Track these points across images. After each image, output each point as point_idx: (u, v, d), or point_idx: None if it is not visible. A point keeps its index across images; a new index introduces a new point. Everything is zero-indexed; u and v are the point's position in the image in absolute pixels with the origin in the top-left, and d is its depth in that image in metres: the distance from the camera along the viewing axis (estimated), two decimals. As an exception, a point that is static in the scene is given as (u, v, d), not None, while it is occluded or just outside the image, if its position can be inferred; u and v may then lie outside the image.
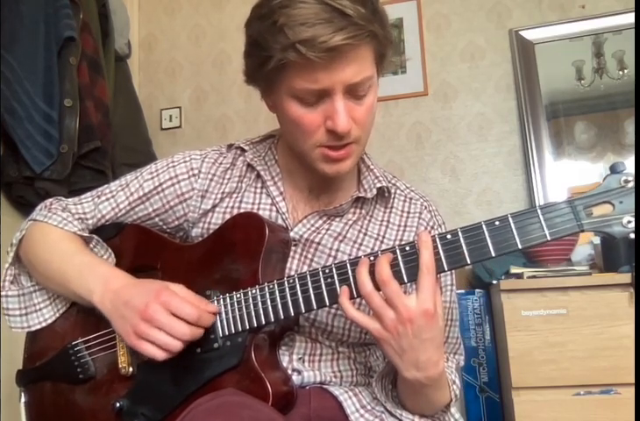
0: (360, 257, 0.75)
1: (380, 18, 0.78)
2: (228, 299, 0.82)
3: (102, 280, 0.84)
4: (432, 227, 0.98)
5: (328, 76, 0.76)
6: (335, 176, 0.88)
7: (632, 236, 0.66)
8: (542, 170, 2.03)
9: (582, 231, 0.68)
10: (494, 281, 1.69)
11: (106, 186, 0.99)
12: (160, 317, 0.75)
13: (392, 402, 0.84)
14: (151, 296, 0.77)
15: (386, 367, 0.84)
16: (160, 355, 0.76)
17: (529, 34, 2.13)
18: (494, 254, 0.69)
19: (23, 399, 0.95)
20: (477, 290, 1.84)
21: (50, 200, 0.99)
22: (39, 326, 0.95)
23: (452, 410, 0.86)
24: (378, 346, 0.76)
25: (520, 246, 0.69)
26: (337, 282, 0.75)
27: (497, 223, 0.70)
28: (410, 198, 0.99)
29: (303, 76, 0.77)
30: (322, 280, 0.76)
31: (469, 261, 0.70)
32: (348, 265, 0.75)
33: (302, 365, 0.86)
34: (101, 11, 1.98)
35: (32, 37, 1.69)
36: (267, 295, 0.79)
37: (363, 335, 0.91)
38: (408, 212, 0.97)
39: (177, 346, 0.76)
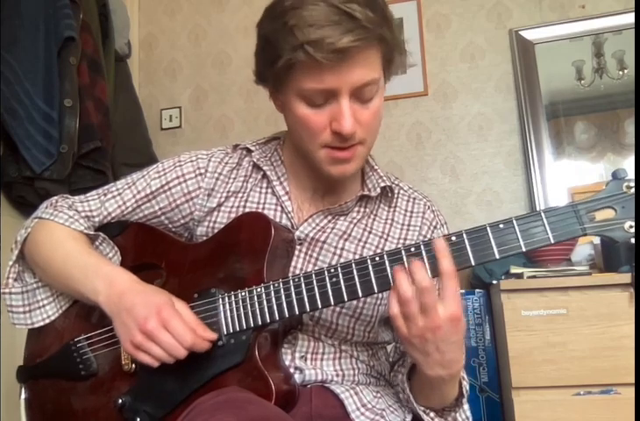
0: (366, 257, 0.76)
1: (390, 24, 0.80)
2: (233, 297, 0.82)
3: (106, 281, 0.85)
4: (435, 227, 0.99)
5: (335, 78, 0.77)
6: (340, 178, 0.89)
7: (633, 241, 0.68)
8: (542, 170, 2.03)
9: (585, 234, 0.69)
10: (494, 281, 1.69)
11: (112, 184, 1.00)
12: (157, 333, 0.77)
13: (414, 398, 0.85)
14: (152, 310, 0.78)
15: (406, 364, 0.86)
16: (154, 364, 0.78)
17: (529, 34, 2.13)
18: (497, 256, 0.71)
19: (23, 396, 0.95)
20: (477, 290, 1.84)
21: (56, 198, 1.00)
22: (42, 323, 0.95)
23: (465, 406, 0.87)
24: (402, 345, 0.77)
25: (524, 249, 0.70)
26: (342, 282, 0.76)
27: (501, 225, 0.71)
28: (414, 198, 1.01)
29: (311, 76, 0.78)
30: (327, 279, 0.77)
31: (473, 263, 0.72)
32: (353, 265, 0.76)
33: (304, 363, 0.87)
34: (101, 11, 1.98)
35: (32, 37, 1.69)
36: (272, 293, 0.80)
37: (367, 334, 0.92)
38: (412, 212, 0.98)
39: (169, 359, 0.78)
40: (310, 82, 0.78)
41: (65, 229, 0.93)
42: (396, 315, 0.72)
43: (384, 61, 0.84)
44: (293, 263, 0.89)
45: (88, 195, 1.00)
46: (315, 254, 0.91)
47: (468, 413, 0.88)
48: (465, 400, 0.86)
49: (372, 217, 0.96)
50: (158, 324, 0.77)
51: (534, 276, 1.53)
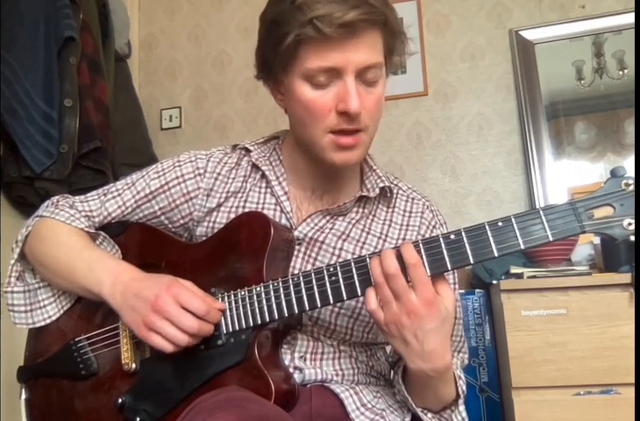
0: (365, 256, 0.76)
1: (393, 10, 0.83)
2: (232, 296, 0.82)
3: (111, 273, 0.85)
4: (434, 226, 0.99)
5: (341, 55, 0.79)
6: (343, 167, 0.89)
7: (632, 238, 0.68)
8: (542, 170, 2.03)
9: (584, 232, 0.69)
10: (494, 281, 1.69)
11: (112, 185, 1.00)
12: (169, 308, 0.77)
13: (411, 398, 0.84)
14: (162, 288, 0.79)
15: (402, 365, 0.85)
16: (167, 348, 0.78)
17: (529, 34, 2.13)
18: (496, 254, 0.71)
19: (23, 396, 0.96)
20: (477, 290, 1.84)
21: (57, 197, 1.00)
22: (43, 323, 0.96)
23: (461, 408, 0.86)
24: (385, 338, 0.77)
25: (522, 247, 0.70)
26: (341, 281, 0.76)
27: (500, 223, 0.71)
28: (412, 198, 1.00)
29: (317, 54, 0.79)
30: (326, 278, 0.77)
31: (472, 261, 0.72)
32: (352, 264, 0.76)
33: (304, 363, 0.87)
34: (101, 11, 1.98)
35: (32, 37, 1.69)
36: (272, 292, 0.80)
37: (365, 334, 0.91)
38: (410, 212, 0.98)
39: (184, 339, 0.77)
40: (317, 60, 0.80)
41: (66, 226, 0.94)
42: (373, 309, 0.74)
43: (386, 49, 0.85)
44: (291, 263, 0.89)
45: (88, 195, 1.00)
46: (313, 254, 0.91)
47: (464, 414, 0.87)
48: (461, 401, 0.85)
49: (370, 217, 0.96)
50: (170, 298, 0.77)
51: (534, 276, 1.53)
